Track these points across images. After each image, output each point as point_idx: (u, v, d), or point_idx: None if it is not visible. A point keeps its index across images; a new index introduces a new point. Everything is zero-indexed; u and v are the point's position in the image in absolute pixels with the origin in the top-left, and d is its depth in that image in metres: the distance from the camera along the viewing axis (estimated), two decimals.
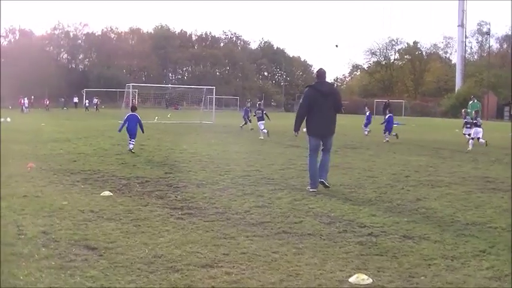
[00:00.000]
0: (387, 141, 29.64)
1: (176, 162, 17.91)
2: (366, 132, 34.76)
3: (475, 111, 28.61)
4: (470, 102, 46.59)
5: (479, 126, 27.29)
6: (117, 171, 15.42)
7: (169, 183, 13.59)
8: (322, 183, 13.17)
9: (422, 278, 6.80)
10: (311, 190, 12.92)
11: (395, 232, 8.98)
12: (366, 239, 8.50)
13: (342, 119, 35.08)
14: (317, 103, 13.25)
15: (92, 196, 11.58)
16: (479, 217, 10.35)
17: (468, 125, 29.14)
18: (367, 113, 36.60)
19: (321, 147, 13.70)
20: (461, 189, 13.61)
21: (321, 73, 13.70)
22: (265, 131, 30.63)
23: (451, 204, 11.63)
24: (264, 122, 31.33)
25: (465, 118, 31.21)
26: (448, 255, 7.72)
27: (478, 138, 26.81)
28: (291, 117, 28.26)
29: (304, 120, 13.64)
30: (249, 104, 43.34)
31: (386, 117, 31.59)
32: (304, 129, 13.80)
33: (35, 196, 11.40)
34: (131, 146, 21.27)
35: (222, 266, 6.99)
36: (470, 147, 25.62)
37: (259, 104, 34.40)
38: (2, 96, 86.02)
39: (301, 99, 13.97)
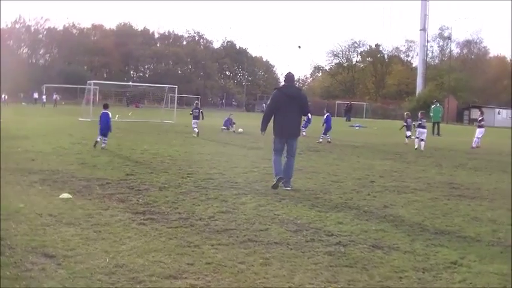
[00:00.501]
0: (320, 142, 30.01)
1: (137, 163, 17.55)
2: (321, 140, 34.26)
3: (421, 113, 28.67)
4: (433, 106, 47.07)
5: (423, 127, 27.84)
6: (77, 172, 14.99)
7: (130, 185, 13.23)
8: (285, 184, 13.75)
9: None
10: (276, 178, 13.68)
11: (364, 241, 8.77)
12: (335, 249, 8.27)
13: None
14: (284, 105, 13.86)
15: (50, 198, 11.18)
16: (448, 226, 10.23)
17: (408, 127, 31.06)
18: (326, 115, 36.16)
19: (285, 151, 14.28)
20: (427, 196, 13.52)
21: (289, 77, 14.42)
22: (196, 130, 31.46)
23: (418, 211, 11.50)
24: (198, 121, 32.20)
25: (405, 122, 31.58)
26: (419, 267, 7.55)
27: (422, 140, 27.35)
28: (252, 118, 28.15)
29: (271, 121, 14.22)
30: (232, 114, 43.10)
31: (325, 117, 31.73)
32: None
33: None
34: (104, 145, 21.76)
35: (186, 278, 6.73)
36: (416, 145, 27.43)
37: (196, 104, 36.57)
38: None
39: (269, 101, 14.67)
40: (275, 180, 13.73)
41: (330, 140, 30.22)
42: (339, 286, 6.68)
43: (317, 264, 7.49)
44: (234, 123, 37.25)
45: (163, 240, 8.31)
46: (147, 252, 7.61)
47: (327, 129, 30.26)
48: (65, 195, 11.46)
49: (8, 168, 15.13)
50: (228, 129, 37.37)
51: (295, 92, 14.31)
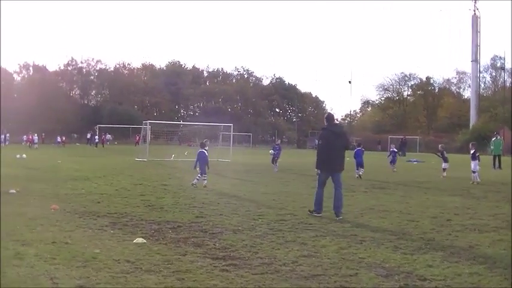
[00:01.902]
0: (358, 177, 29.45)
1: (204, 204, 17.20)
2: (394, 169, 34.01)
3: (472, 144, 28.20)
4: (493, 139, 46.01)
5: (474, 158, 27.51)
6: (145, 215, 14.72)
7: (203, 228, 12.86)
8: (337, 214, 15.25)
9: None
10: (316, 215, 15.36)
11: (460, 286, 8.31)
12: None
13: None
14: (332, 142, 15.69)
15: (124, 243, 10.88)
16: None
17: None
18: (392, 149, 36.08)
19: (333, 184, 15.89)
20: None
21: (331, 116, 16.66)
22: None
23: (507, 252, 10.89)
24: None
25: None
26: None
27: (473, 172, 26.97)
28: (305, 155, 27.81)
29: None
30: (279, 141, 42.84)
31: (354, 151, 31.18)
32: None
33: (64, 242, 10.75)
34: (205, 182, 22.81)
35: None
36: (474, 180, 26.74)
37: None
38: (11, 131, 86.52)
39: (319, 140, 16.68)
40: (315, 214, 15.47)
41: (359, 175, 29.53)
42: None
43: None
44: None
45: None
46: None
47: (358, 163, 29.49)
48: (139, 239, 11.16)
49: (76, 211, 15.00)
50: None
51: (340, 129, 16.70)
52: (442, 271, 9.18)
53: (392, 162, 35.44)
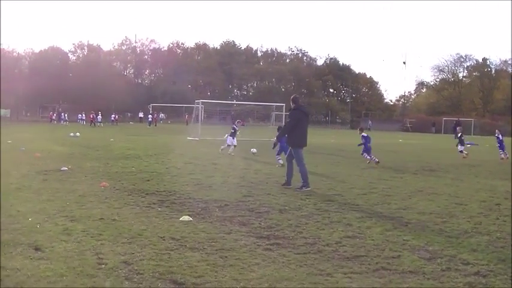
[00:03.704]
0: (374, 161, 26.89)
1: (253, 183, 17.28)
2: (505, 156, 32.87)
3: None
4: None
5: None
6: (193, 193, 14.86)
7: (249, 207, 12.97)
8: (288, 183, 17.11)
9: None
10: (305, 189, 16.43)
11: (504, 272, 8.18)
12: (474, 280, 7.74)
13: (411, 139, 34.04)
14: (303, 121, 17.19)
15: (170, 221, 11.04)
16: None
17: None
18: (497, 135, 34.31)
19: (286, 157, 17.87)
20: None
21: (297, 98, 17.80)
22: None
23: None
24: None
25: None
26: None
27: None
28: (358, 136, 27.56)
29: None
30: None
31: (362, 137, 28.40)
32: None
33: (111, 219, 10.95)
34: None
35: None
36: None
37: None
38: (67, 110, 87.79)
39: (289, 118, 17.59)
40: (304, 189, 16.41)
41: (376, 160, 26.58)
42: None
43: None
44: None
45: (293, 268, 7.96)
46: (278, 281, 7.29)
47: (366, 150, 27.76)
48: (185, 217, 11.28)
49: (125, 189, 15.21)
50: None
51: (307, 110, 18.12)
52: (486, 256, 9.09)
53: (501, 148, 33.57)
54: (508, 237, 10.70)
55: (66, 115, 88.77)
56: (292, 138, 17.17)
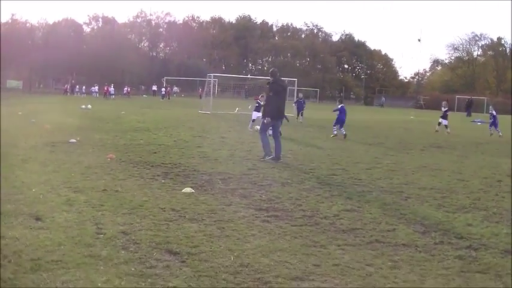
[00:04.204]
0: (334, 135, 27.17)
1: (259, 157, 17.37)
2: (500, 133, 33.18)
3: None
4: None
5: None
6: (199, 166, 15.01)
7: (252, 180, 13.10)
8: (278, 157, 17.00)
9: None
10: (267, 158, 16.89)
11: (495, 246, 8.31)
12: (465, 253, 7.87)
13: (422, 116, 34.08)
14: (279, 94, 17.33)
15: (173, 192, 11.19)
16: None
17: None
18: (491, 111, 34.45)
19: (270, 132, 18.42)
20: None
21: (276, 71, 17.78)
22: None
23: None
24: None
25: None
26: None
27: None
28: (371, 112, 27.58)
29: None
30: (301, 95, 43.61)
31: (338, 107, 27.94)
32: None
33: (114, 190, 11.09)
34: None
35: (313, 280, 6.50)
36: None
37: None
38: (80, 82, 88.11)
39: (269, 92, 17.72)
40: (267, 158, 16.89)
41: (343, 134, 26.69)
42: None
43: (448, 269, 7.12)
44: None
45: (288, 239, 8.10)
46: (272, 252, 7.42)
47: (339, 121, 27.37)
48: (188, 189, 11.43)
49: (131, 161, 15.37)
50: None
51: (284, 84, 18.75)
52: (480, 230, 9.21)
53: (494, 125, 33.60)
54: (504, 212, 10.82)
55: (83, 88, 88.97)
56: (266, 109, 17.51)
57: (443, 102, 30.14)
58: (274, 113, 17.17)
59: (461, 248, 8.13)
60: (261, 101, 28.42)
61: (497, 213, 10.69)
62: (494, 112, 33.80)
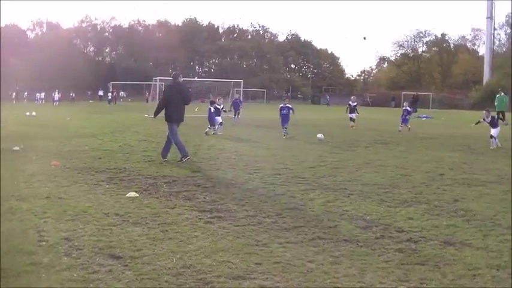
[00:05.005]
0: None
1: (204, 159, 17.51)
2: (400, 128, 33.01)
3: (487, 111, 26.13)
4: (498, 96, 45.92)
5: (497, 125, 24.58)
6: (144, 170, 15.06)
7: (197, 182, 13.17)
8: (164, 156, 17.38)
9: None
10: (184, 159, 16.89)
11: (435, 237, 8.54)
12: (405, 246, 8.07)
13: (370, 113, 34.40)
14: (172, 97, 17.43)
15: (117, 197, 11.20)
16: None
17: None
18: (405, 107, 34.52)
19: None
20: (499, 189, 13.11)
21: (176, 75, 18.45)
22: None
23: (490, 205, 11.13)
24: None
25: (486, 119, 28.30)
26: (493, 264, 7.28)
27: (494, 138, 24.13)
28: (317, 110, 27.77)
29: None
30: (237, 96, 44.95)
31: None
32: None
33: (58, 197, 11.07)
34: (210, 132, 27.67)
35: (255, 278, 6.59)
36: (493, 145, 23.66)
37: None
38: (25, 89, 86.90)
39: (163, 95, 18.52)
40: (184, 160, 16.87)
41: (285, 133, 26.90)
42: (411, 285, 6.46)
43: (388, 262, 7.29)
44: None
45: (231, 239, 8.20)
46: (215, 252, 7.50)
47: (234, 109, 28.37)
48: (132, 193, 11.46)
49: (76, 167, 15.31)
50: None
51: (181, 87, 18.04)
52: (420, 223, 9.43)
53: (404, 121, 33.84)
54: (445, 205, 11.10)
55: (25, 94, 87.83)
56: (166, 113, 17.51)
57: (485, 112, 28.85)
58: (172, 117, 17.37)
59: (402, 241, 8.32)
60: (219, 104, 28.54)
61: (438, 206, 10.95)
62: (408, 108, 34.11)
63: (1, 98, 65.39)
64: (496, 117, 25.51)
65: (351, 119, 34.93)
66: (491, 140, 23.74)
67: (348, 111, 35.09)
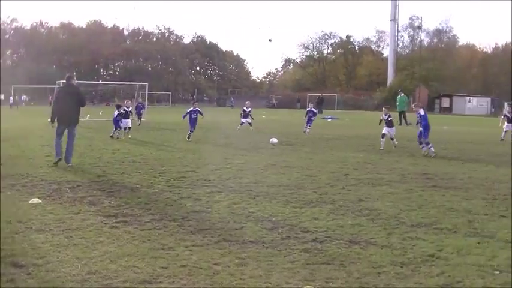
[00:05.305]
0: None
1: (109, 163, 17.29)
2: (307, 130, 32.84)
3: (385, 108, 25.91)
4: (398, 97, 47.17)
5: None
6: (47, 175, 14.74)
7: (102, 187, 13.02)
8: (67, 161, 17.00)
9: None
10: (56, 161, 16.90)
11: (340, 237, 8.71)
12: (311, 246, 8.21)
13: (275, 115, 34.71)
14: (62, 99, 17.58)
15: (19, 204, 10.95)
16: (424, 218, 10.22)
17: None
18: (310, 108, 34.24)
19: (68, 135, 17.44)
20: (402, 188, 13.50)
21: (68, 77, 18.00)
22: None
23: (394, 204, 11.46)
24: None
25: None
26: (397, 262, 7.50)
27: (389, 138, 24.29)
28: (223, 113, 27.80)
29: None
30: (140, 100, 45.10)
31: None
32: None
33: None
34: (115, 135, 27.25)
35: (161, 282, 6.59)
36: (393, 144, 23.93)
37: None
38: None
39: (54, 97, 18.71)
40: (56, 160, 16.92)
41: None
42: (317, 284, 6.56)
43: (294, 263, 7.40)
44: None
45: (137, 244, 8.15)
46: (120, 257, 7.45)
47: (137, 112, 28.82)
48: (35, 200, 11.23)
49: None
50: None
51: (71, 90, 17.81)
52: (326, 223, 9.60)
53: (309, 122, 33.73)
54: (350, 204, 11.35)
55: None
56: (53, 114, 17.44)
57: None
58: (59, 118, 17.22)
59: (307, 241, 8.46)
60: (128, 107, 28.21)
61: (343, 206, 11.18)
62: (313, 109, 34.23)
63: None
64: (392, 116, 25.17)
65: (243, 123, 34.53)
66: (381, 140, 23.77)
67: (242, 116, 34.88)
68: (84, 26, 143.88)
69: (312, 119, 33.12)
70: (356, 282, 6.68)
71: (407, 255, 7.78)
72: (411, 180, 14.82)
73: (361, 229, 9.22)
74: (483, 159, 20.42)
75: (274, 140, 24.52)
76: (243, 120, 34.60)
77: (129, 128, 28.22)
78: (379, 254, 7.83)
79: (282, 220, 9.81)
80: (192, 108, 27.34)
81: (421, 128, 21.38)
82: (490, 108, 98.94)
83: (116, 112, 27.57)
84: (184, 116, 27.46)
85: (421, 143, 21.59)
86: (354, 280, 6.75)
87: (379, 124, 25.57)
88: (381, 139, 23.76)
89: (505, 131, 30.00)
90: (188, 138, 26.02)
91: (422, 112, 21.50)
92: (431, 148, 20.74)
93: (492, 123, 46.71)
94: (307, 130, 32.21)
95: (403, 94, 48.07)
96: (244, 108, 35.20)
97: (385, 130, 23.99)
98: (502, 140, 29.38)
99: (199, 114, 27.33)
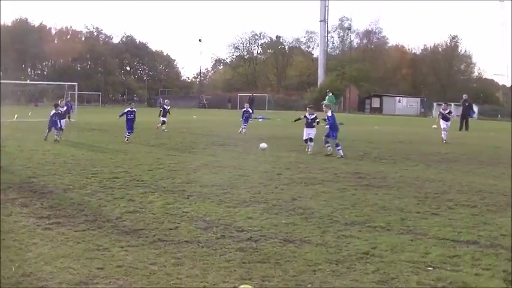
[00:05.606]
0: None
1: (40, 164, 17.05)
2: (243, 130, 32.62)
3: (310, 107, 25.32)
4: (327, 97, 47.79)
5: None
6: None
7: (33, 188, 12.86)
8: None
9: (309, 286, 6.67)
10: None
11: (275, 236, 8.83)
12: (246, 245, 8.31)
13: (206, 115, 34.72)
14: None
15: None
16: (358, 216, 10.42)
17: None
18: (246, 108, 34.10)
19: None
20: (335, 187, 13.70)
21: None
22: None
23: (327, 203, 11.64)
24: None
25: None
26: (332, 260, 7.64)
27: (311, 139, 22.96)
28: (154, 113, 27.65)
29: None
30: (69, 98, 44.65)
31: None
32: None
33: None
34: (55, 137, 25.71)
35: (97, 283, 6.60)
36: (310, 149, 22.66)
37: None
38: None
39: None
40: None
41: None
42: (253, 283, 6.63)
43: (229, 262, 7.47)
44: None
45: (71, 245, 8.11)
46: (55, 259, 7.41)
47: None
48: None
49: None
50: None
51: None
52: (260, 222, 9.70)
53: (245, 121, 33.45)
54: (283, 203, 11.50)
55: None
56: None
57: (308, 108, 27.52)
58: None
59: (242, 240, 8.56)
60: (62, 107, 27.70)
61: (277, 205, 11.31)
62: (249, 109, 34.40)
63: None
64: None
65: (164, 122, 34.53)
66: (309, 144, 22.61)
67: (161, 114, 35.04)
68: (9, 25, 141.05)
69: (249, 119, 33.31)
70: (292, 280, 6.77)
71: (342, 253, 7.92)
72: (344, 179, 15.04)
73: (295, 228, 9.34)
74: (414, 158, 20.84)
75: (264, 145, 23.05)
76: (163, 118, 34.78)
77: (61, 128, 27.61)
78: (314, 252, 7.95)
79: (216, 220, 9.88)
80: (129, 109, 27.15)
81: (327, 126, 21.54)
82: (420, 109, 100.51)
83: (53, 111, 26.51)
84: (120, 116, 27.34)
85: (326, 142, 21.78)
86: (290, 278, 6.85)
87: (294, 121, 25.44)
88: (309, 143, 22.58)
89: (445, 132, 29.54)
90: (126, 139, 25.75)
91: (329, 113, 21.71)
92: (340, 151, 20.72)
93: (422, 123, 47.73)
94: (244, 130, 32.41)
95: (331, 94, 48.71)
96: (164, 105, 35.98)
97: (306, 132, 22.86)
98: (445, 141, 29.03)
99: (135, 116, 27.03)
